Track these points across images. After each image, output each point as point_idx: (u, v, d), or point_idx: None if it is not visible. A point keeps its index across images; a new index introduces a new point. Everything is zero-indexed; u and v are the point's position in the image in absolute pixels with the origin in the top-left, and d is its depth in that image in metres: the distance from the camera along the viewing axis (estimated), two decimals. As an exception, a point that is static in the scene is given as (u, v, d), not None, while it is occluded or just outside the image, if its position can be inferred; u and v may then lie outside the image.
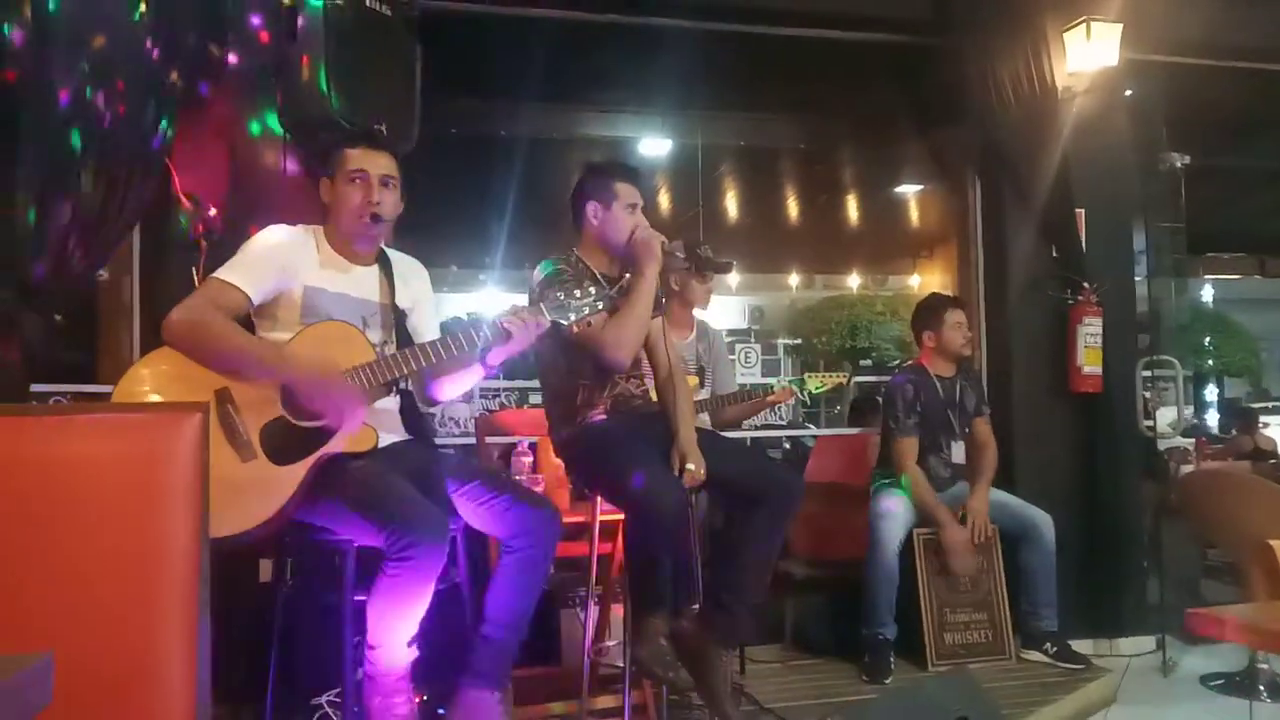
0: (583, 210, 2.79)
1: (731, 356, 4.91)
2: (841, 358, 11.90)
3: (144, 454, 1.52)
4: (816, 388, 4.10)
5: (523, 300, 2.61)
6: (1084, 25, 4.02)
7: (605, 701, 3.06)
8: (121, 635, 1.44)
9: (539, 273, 2.71)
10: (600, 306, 2.46)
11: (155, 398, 2.25)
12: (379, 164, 2.49)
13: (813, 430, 6.77)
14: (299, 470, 2.27)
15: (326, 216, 2.52)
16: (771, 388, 4.01)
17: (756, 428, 4.86)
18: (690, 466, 2.59)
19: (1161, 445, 4.90)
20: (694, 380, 3.76)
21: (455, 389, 2.65)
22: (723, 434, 3.41)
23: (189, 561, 1.49)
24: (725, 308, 12.81)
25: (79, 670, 1.34)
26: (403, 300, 2.56)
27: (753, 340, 11.82)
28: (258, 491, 2.25)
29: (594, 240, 2.79)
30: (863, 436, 4.54)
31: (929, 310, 3.99)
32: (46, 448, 1.50)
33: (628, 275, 2.70)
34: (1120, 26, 4.04)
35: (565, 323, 2.43)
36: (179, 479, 1.51)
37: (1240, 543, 3.52)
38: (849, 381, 4.27)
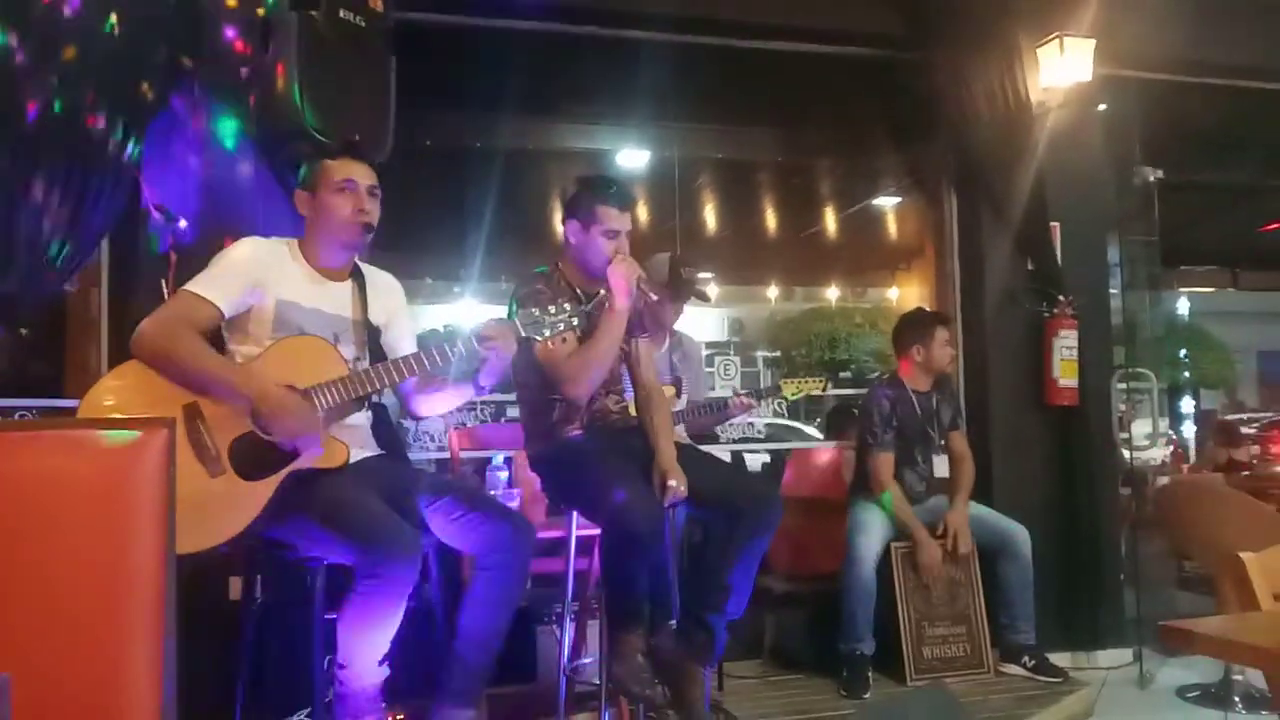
0: (565, 225, 2.77)
1: (710, 369, 4.89)
2: (821, 369, 11.94)
3: (109, 470, 1.50)
4: (792, 394, 4.10)
5: (500, 311, 2.60)
6: (1057, 40, 4.06)
7: None
8: (85, 654, 1.42)
9: (517, 287, 2.70)
10: (575, 323, 2.45)
11: (123, 412, 2.22)
12: (365, 174, 2.48)
13: (791, 443, 6.77)
14: (268, 486, 2.25)
15: (304, 229, 2.50)
16: (726, 401, 3.88)
17: (734, 441, 4.85)
18: (672, 483, 2.58)
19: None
20: (670, 390, 3.75)
21: (441, 405, 2.63)
22: (700, 448, 3.40)
23: (155, 579, 1.47)
24: (704, 320, 12.85)
25: (41, 691, 1.33)
26: (376, 316, 2.55)
27: (732, 352, 11.86)
28: (226, 507, 2.22)
29: (574, 258, 2.77)
30: (839, 449, 4.53)
31: (918, 325, 3.98)
32: (9, 463, 1.47)
33: (602, 292, 2.68)
34: (1093, 42, 4.08)
35: (539, 339, 2.42)
36: (145, 495, 1.49)
37: (1213, 554, 3.54)
38: (825, 387, 4.24)
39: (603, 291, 2.67)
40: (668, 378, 3.86)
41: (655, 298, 2.72)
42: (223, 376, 2.28)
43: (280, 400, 2.25)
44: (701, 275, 3.72)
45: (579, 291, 2.72)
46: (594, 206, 2.69)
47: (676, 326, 4.01)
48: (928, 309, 4.24)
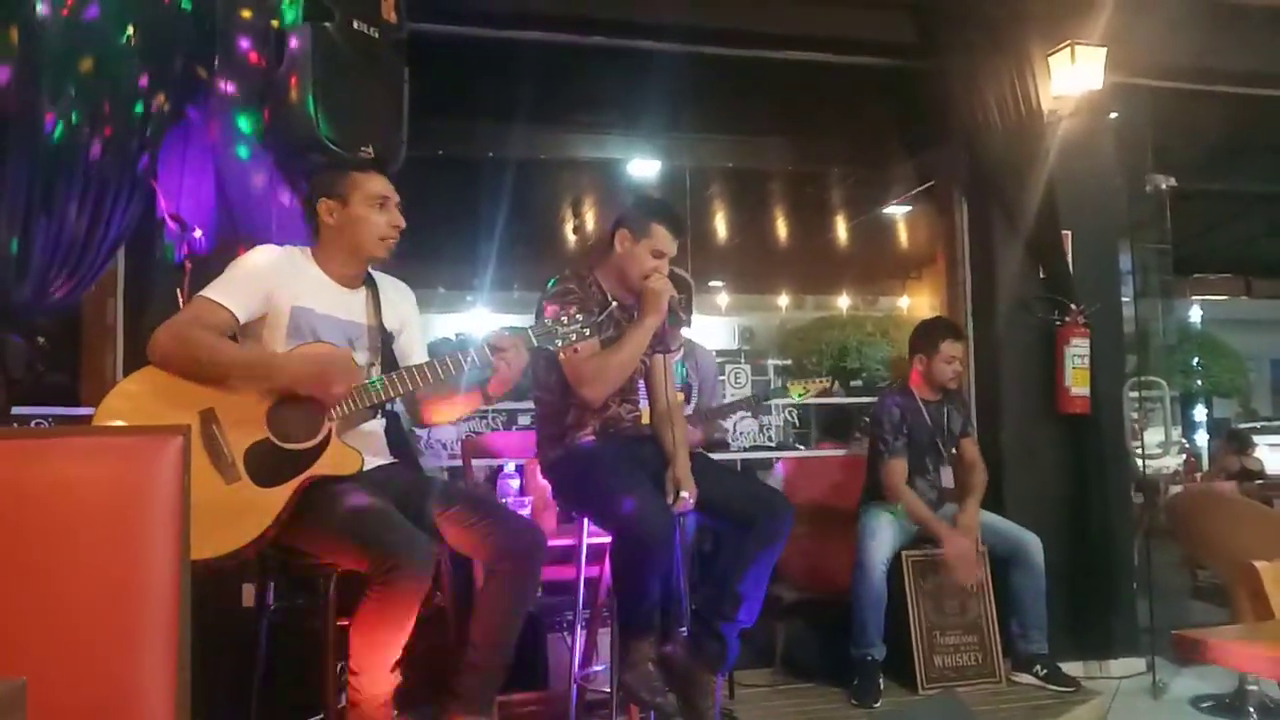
0: (613, 233, 2.81)
1: (721, 377, 4.90)
2: (832, 378, 11.90)
3: (124, 477, 1.51)
4: (799, 394, 4.11)
5: (511, 320, 2.62)
6: (1068, 49, 4.06)
7: (592, 727, 3.04)
8: (100, 661, 1.42)
9: (549, 284, 2.74)
10: (587, 334, 2.46)
11: (138, 417, 2.23)
12: (392, 189, 2.52)
13: (801, 451, 6.75)
14: (283, 493, 2.27)
15: (319, 236, 2.51)
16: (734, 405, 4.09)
17: (745, 449, 4.86)
18: (684, 494, 2.60)
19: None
20: (679, 397, 3.77)
21: (449, 413, 2.65)
22: (712, 456, 3.41)
23: (169, 586, 1.47)
24: (715, 328, 12.85)
25: (56, 698, 1.33)
26: (390, 322, 2.56)
27: (742, 361, 11.84)
28: (241, 514, 2.23)
29: (615, 265, 2.80)
30: (841, 457, 4.53)
31: (926, 334, 3.98)
32: (25, 471, 1.48)
33: (615, 304, 2.70)
34: (1104, 50, 4.08)
35: (551, 349, 2.44)
36: (160, 502, 1.50)
37: (1226, 563, 3.53)
38: (832, 386, 4.25)
39: (615, 304, 2.70)
40: (679, 385, 3.88)
41: (685, 317, 2.77)
42: (245, 361, 2.31)
43: (316, 361, 2.29)
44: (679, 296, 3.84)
45: (611, 297, 2.75)
46: (649, 222, 2.76)
47: (688, 334, 4.04)
48: (945, 319, 4.23)
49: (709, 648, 2.66)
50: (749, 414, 4.17)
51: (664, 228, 2.76)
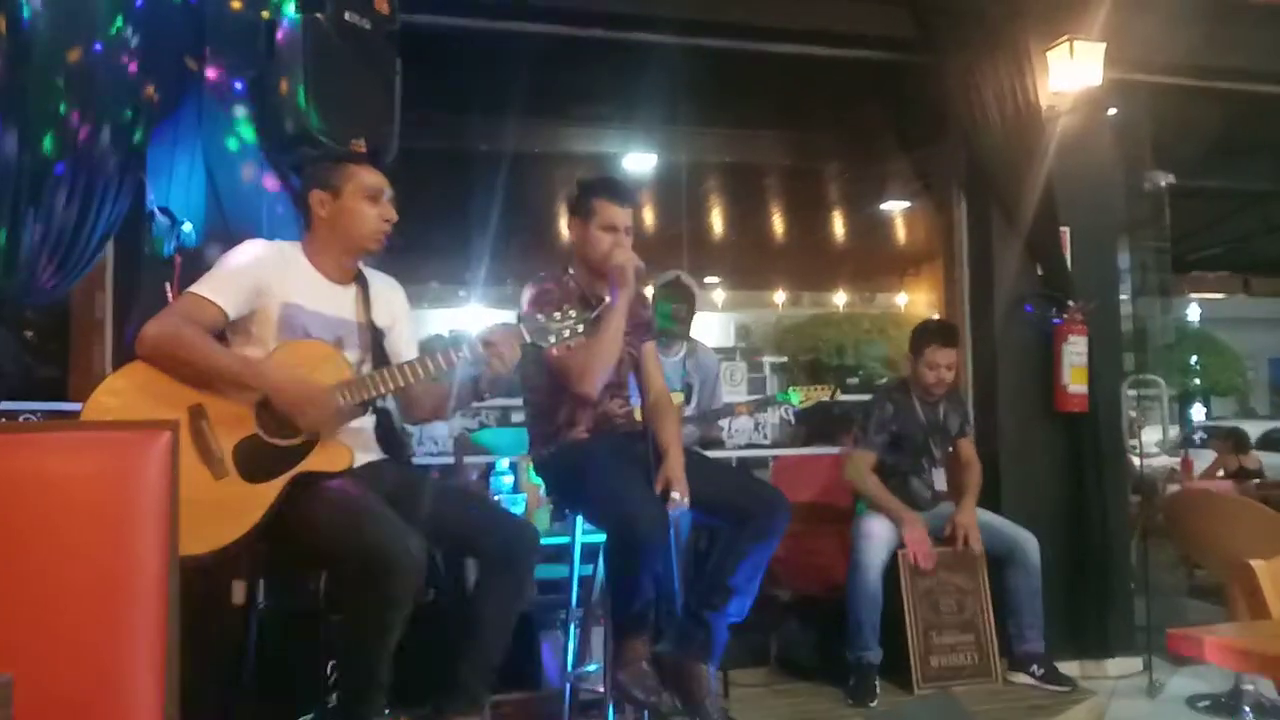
0: (569, 225, 2.78)
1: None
2: (829, 376, 11.92)
3: (113, 473, 1.51)
4: (800, 401, 4.10)
5: (506, 315, 2.60)
6: (1067, 44, 4.05)
7: (586, 726, 3.02)
8: (88, 657, 1.43)
9: (526, 290, 2.70)
10: (580, 329, 2.44)
11: (127, 413, 2.21)
12: (387, 183, 2.50)
13: (800, 449, 6.75)
14: (273, 489, 2.25)
15: (314, 230, 2.49)
16: (733, 407, 4.08)
17: (741, 447, 4.85)
18: (675, 495, 2.57)
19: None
20: (679, 397, 3.75)
21: (441, 410, 2.63)
22: (707, 453, 3.39)
23: (158, 582, 1.48)
24: (711, 325, 12.85)
25: (43, 693, 1.33)
26: (380, 319, 2.54)
27: (739, 358, 11.85)
28: (230, 510, 2.21)
29: (578, 257, 2.77)
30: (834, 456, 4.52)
31: (917, 336, 3.96)
32: (13, 466, 1.49)
33: (608, 299, 2.67)
34: (1103, 46, 4.07)
35: (545, 345, 2.42)
36: (148, 498, 1.50)
37: (1223, 562, 3.52)
38: (835, 394, 4.25)
39: (608, 299, 2.67)
40: (679, 384, 3.86)
41: (676, 316, 2.73)
42: (233, 370, 2.28)
43: (299, 390, 2.25)
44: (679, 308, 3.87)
45: (588, 295, 2.72)
46: (591, 201, 2.73)
47: (693, 335, 4.05)
48: (940, 321, 4.22)
49: (695, 635, 2.65)
50: (747, 414, 4.16)
51: (606, 200, 2.71)
